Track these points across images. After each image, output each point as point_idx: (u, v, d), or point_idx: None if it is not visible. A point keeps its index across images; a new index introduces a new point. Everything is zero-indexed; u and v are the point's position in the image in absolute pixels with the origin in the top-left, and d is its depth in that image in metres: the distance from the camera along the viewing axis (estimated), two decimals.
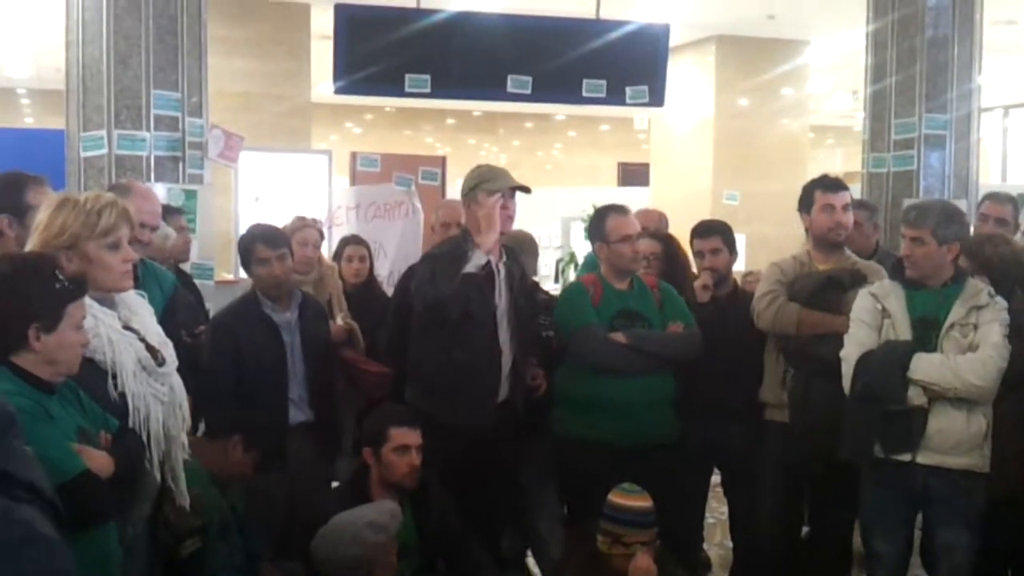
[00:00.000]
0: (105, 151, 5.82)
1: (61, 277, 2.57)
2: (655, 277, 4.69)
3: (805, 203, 4.44)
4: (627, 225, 4.46)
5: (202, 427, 4.25)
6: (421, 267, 4.43)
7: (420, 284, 4.30)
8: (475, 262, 4.15)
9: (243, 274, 4.95)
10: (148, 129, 5.87)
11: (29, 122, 18.06)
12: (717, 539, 5.81)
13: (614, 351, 4.31)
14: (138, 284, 3.67)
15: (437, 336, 4.24)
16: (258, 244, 4.48)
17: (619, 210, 4.55)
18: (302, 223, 5.32)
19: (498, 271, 4.33)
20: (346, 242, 5.71)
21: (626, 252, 4.43)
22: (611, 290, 4.46)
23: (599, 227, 4.49)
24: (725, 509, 5.24)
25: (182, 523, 2.96)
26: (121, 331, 2.83)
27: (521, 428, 4.46)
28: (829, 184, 4.44)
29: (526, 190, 4.40)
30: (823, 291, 4.20)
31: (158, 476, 2.89)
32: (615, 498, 3.83)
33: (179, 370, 3.05)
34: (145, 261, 3.91)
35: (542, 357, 4.62)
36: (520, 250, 4.86)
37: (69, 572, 1.95)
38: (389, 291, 5.67)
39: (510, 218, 4.38)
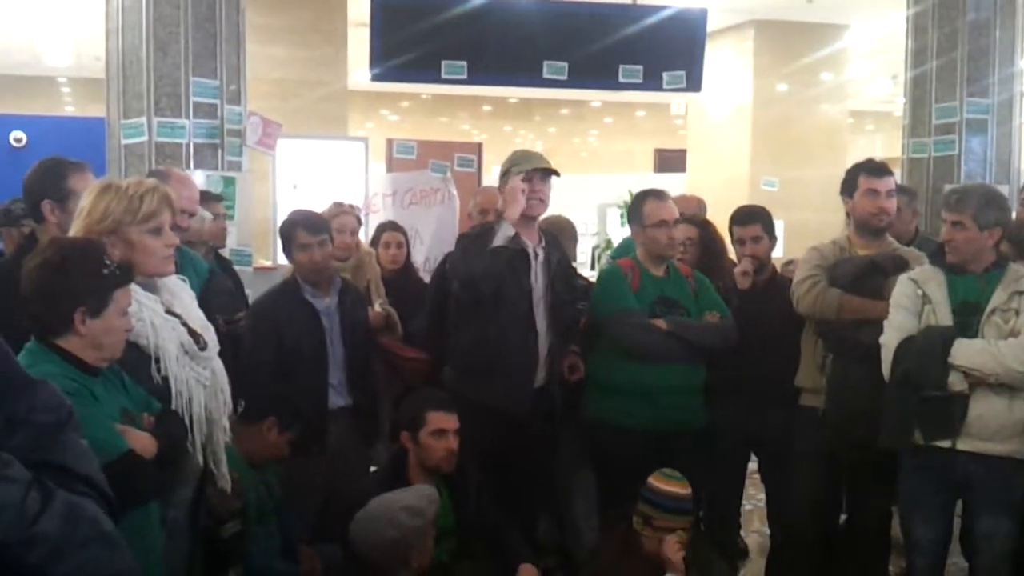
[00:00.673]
0: (145, 138, 5.86)
1: (109, 262, 2.60)
2: (689, 266, 4.68)
3: (848, 187, 4.38)
4: (664, 210, 4.45)
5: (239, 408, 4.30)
6: (456, 248, 4.46)
7: (453, 262, 4.35)
8: (503, 234, 4.18)
9: (281, 260, 4.99)
10: (187, 116, 5.90)
11: (70, 110, 18.24)
12: (755, 525, 5.80)
13: (654, 337, 4.31)
14: (177, 270, 3.73)
15: (473, 317, 4.27)
16: (299, 230, 4.51)
17: (657, 195, 4.53)
18: (339, 209, 5.34)
19: (535, 255, 4.34)
20: (383, 228, 5.74)
21: (661, 238, 4.41)
22: (648, 276, 4.46)
23: (637, 211, 4.50)
24: (762, 496, 5.22)
25: (223, 506, 2.99)
26: (164, 316, 2.86)
27: (558, 415, 4.46)
28: (874, 168, 4.38)
29: (554, 172, 4.39)
30: (865, 276, 4.15)
31: (200, 459, 2.92)
32: (654, 480, 3.88)
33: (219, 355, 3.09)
34: (181, 248, 3.95)
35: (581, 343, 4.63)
36: (559, 235, 4.87)
37: (132, 571, 1.97)
38: (426, 278, 5.70)
39: (541, 201, 4.38)
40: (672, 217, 4.46)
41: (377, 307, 4.96)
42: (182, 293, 3.05)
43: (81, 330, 2.56)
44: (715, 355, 4.43)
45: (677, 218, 4.52)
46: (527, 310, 4.30)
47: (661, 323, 4.33)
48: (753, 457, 5.11)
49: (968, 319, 3.74)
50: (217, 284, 4.20)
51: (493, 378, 4.25)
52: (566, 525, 4.99)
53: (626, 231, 15.25)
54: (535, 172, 4.34)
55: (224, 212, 5.26)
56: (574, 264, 5.30)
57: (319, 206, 5.44)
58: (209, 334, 3.01)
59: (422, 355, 4.80)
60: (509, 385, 4.25)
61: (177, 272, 3.70)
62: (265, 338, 4.36)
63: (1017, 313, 3.70)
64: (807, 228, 10.23)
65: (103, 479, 1.99)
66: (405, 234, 5.71)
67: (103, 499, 1.94)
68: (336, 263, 4.86)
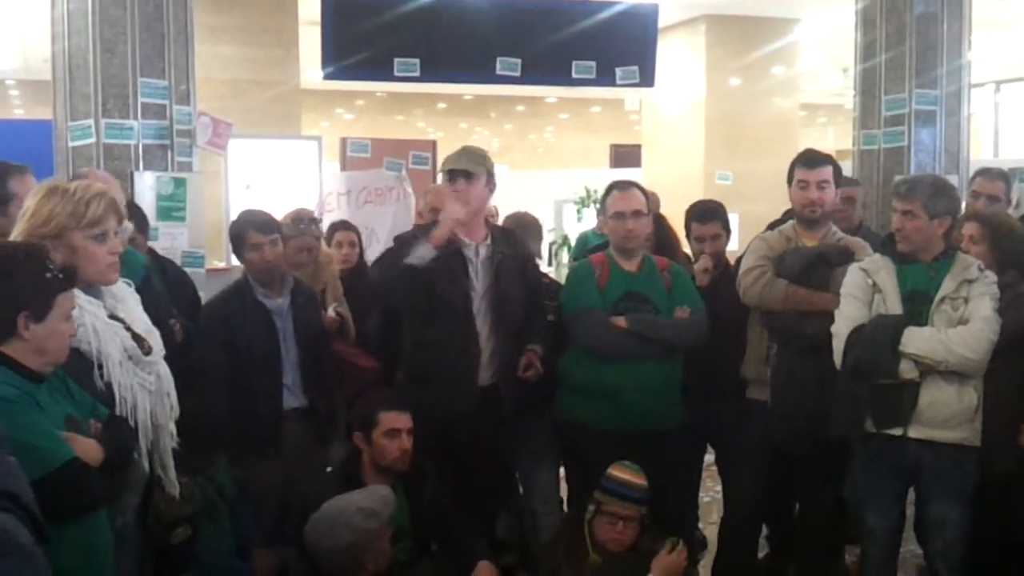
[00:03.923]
0: (93, 140, 5.79)
1: (52, 267, 2.56)
2: (666, 259, 4.60)
3: (789, 178, 4.42)
4: (620, 201, 4.40)
5: None
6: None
7: (372, 267, 4.32)
8: (418, 254, 4.11)
9: (235, 262, 4.92)
10: (135, 117, 5.84)
11: (19, 113, 17.99)
12: (713, 517, 5.81)
13: (614, 336, 4.27)
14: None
15: (412, 320, 4.26)
16: (250, 230, 4.46)
17: (620, 186, 4.48)
18: (298, 230, 5.00)
19: (477, 253, 4.32)
20: (335, 228, 5.69)
21: (618, 229, 4.39)
22: (618, 271, 4.41)
23: (603, 204, 4.50)
24: (720, 487, 5.24)
25: (172, 512, 2.96)
26: (107, 320, 2.82)
27: (512, 413, 4.44)
28: (807, 160, 4.40)
29: (464, 174, 4.31)
30: (811, 268, 4.18)
31: (146, 465, 2.89)
32: (612, 470, 3.99)
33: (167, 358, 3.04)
34: None
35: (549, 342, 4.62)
36: (525, 233, 4.86)
37: None
38: None
39: (457, 200, 4.29)
40: (628, 209, 4.38)
41: (331, 311, 4.90)
42: (127, 297, 3.01)
43: (25, 335, 2.52)
44: (684, 352, 4.39)
45: (638, 209, 4.41)
46: (465, 310, 4.26)
47: (621, 321, 4.28)
48: (710, 449, 5.13)
49: (918, 308, 3.77)
50: (151, 283, 4.13)
51: (434, 381, 4.22)
52: (526, 519, 4.98)
53: (583, 226, 15.28)
54: (457, 174, 4.31)
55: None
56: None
57: (273, 207, 5.38)
58: (154, 339, 2.97)
59: (373, 364, 4.77)
60: (450, 387, 4.21)
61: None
62: (217, 340, 4.32)
63: (966, 301, 3.74)
64: (761, 220, 10.21)
65: (29, 495, 1.97)
66: (358, 233, 5.66)
67: (28, 515, 1.92)
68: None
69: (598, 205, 13.23)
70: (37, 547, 1.97)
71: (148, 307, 3.73)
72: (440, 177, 4.44)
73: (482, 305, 4.32)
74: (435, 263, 4.13)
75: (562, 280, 4.99)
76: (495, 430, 4.37)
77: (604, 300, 4.34)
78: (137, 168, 5.79)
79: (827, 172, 4.35)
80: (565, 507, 4.80)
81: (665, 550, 3.90)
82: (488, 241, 4.39)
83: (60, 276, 2.57)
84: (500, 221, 5.34)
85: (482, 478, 4.39)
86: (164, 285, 4.48)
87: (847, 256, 4.16)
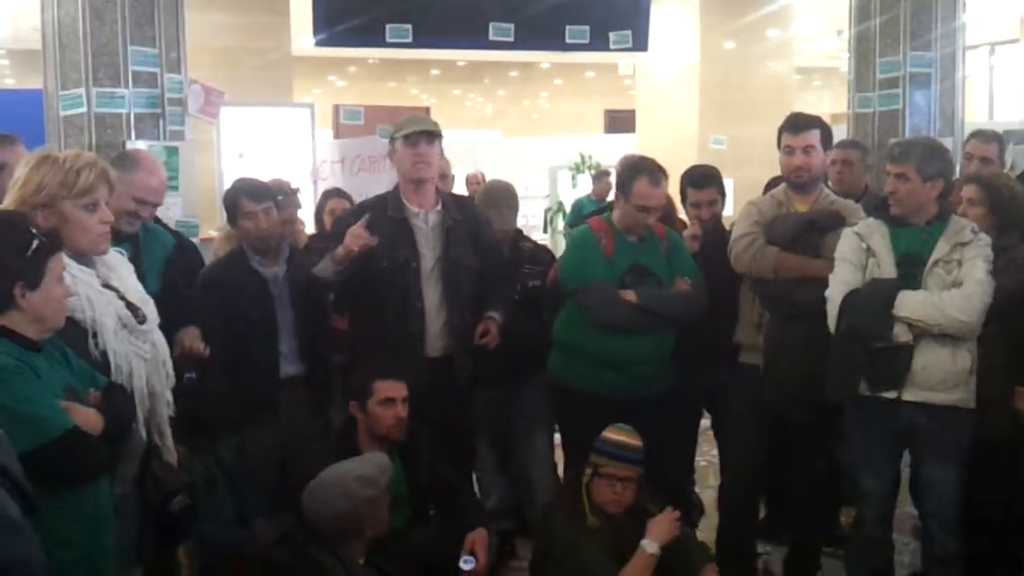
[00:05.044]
0: (84, 109, 5.77)
1: (35, 232, 2.55)
2: (662, 225, 4.56)
3: (778, 143, 4.39)
4: (653, 197, 4.30)
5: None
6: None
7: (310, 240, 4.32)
8: (324, 267, 4.17)
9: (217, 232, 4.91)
10: (126, 86, 5.81)
11: (9, 83, 17.92)
12: (710, 481, 5.85)
13: (623, 310, 4.24)
14: (138, 245, 3.68)
15: (353, 293, 4.28)
16: (243, 198, 4.45)
17: (652, 177, 4.30)
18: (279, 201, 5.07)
19: (426, 221, 4.32)
20: (328, 196, 5.67)
21: (641, 220, 4.32)
22: (623, 241, 4.37)
23: (627, 183, 4.34)
24: (716, 452, 5.27)
25: (170, 480, 2.96)
26: (100, 289, 2.82)
27: (464, 383, 4.43)
28: (791, 124, 4.35)
29: (434, 134, 4.32)
30: (802, 234, 4.16)
31: (144, 434, 2.89)
32: (607, 432, 3.99)
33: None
34: (147, 225, 3.90)
35: (528, 306, 4.62)
36: (495, 203, 4.84)
37: (31, 557, 1.96)
38: None
39: (427, 164, 4.31)
40: (659, 205, 4.33)
41: None
42: (119, 266, 3.00)
43: (23, 305, 2.51)
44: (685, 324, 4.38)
45: (662, 205, 4.37)
46: (405, 281, 4.26)
47: (630, 296, 4.24)
48: (706, 414, 5.15)
49: (911, 271, 3.77)
50: (180, 256, 4.15)
51: (379, 353, 4.22)
52: (521, 484, 5.01)
53: (577, 193, 15.24)
54: (419, 135, 4.29)
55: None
56: (522, 228, 5.27)
57: (266, 175, 5.37)
58: (148, 307, 2.97)
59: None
60: (397, 359, 4.18)
61: (140, 245, 3.67)
62: (213, 308, 4.31)
63: (959, 264, 3.74)
64: (756, 185, 10.23)
65: (18, 468, 1.98)
66: (351, 201, 5.64)
67: (16, 488, 1.93)
68: None
69: (592, 171, 13.24)
70: (25, 520, 1.98)
71: (177, 279, 3.79)
72: (396, 143, 4.36)
73: (432, 274, 4.31)
74: (338, 277, 4.18)
75: (553, 247, 4.98)
76: (449, 402, 4.35)
77: (611, 272, 4.32)
78: (129, 137, 5.77)
79: (812, 136, 4.29)
80: (560, 472, 4.82)
81: (663, 513, 3.93)
82: (439, 207, 4.38)
83: (47, 240, 2.56)
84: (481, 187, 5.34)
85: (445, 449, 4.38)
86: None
87: (838, 221, 4.15)
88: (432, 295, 4.31)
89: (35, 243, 2.52)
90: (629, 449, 3.95)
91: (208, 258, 4.93)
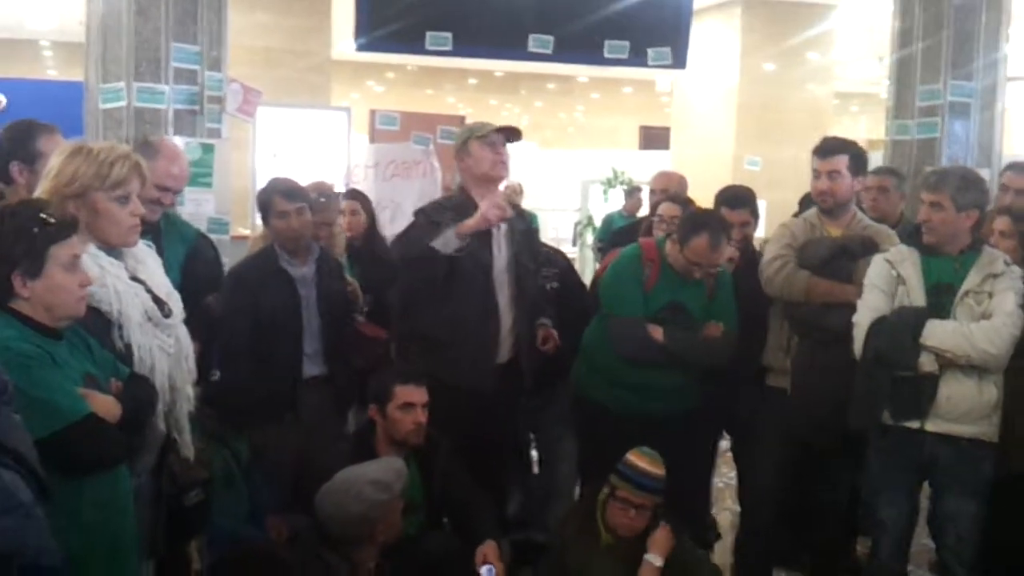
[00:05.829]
0: (124, 103, 5.81)
1: (45, 218, 2.53)
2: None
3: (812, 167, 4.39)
4: (706, 257, 4.21)
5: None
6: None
7: (394, 240, 4.28)
8: (444, 241, 4.07)
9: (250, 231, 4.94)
10: (167, 82, 5.85)
11: (52, 74, 18.10)
12: (727, 503, 5.82)
13: (648, 348, 4.23)
14: (159, 235, 3.70)
15: (429, 293, 4.23)
16: (277, 197, 4.47)
17: (714, 236, 4.19)
18: (319, 204, 4.92)
19: (499, 226, 4.30)
20: (343, 196, 5.65)
21: (691, 269, 4.28)
22: (668, 274, 4.32)
23: (686, 233, 4.25)
24: (734, 473, 5.24)
25: (186, 474, 2.97)
26: (128, 282, 2.83)
27: (530, 389, 4.44)
28: (818, 149, 4.34)
29: (516, 133, 4.33)
30: (834, 259, 4.14)
31: (163, 427, 2.91)
32: (631, 455, 3.95)
33: (194, 323, 3.06)
34: (168, 214, 3.92)
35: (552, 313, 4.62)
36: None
37: (42, 544, 1.97)
38: None
39: (503, 163, 4.32)
40: (710, 264, 4.25)
41: None
42: (147, 259, 3.01)
43: (24, 293, 2.51)
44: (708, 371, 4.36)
45: (717, 266, 4.29)
46: (486, 284, 4.25)
47: (658, 335, 4.23)
48: (725, 435, 5.12)
49: (941, 300, 3.74)
50: (201, 251, 4.17)
51: (453, 356, 4.20)
52: (547, 494, 4.99)
53: (608, 208, 15.20)
54: (498, 135, 4.29)
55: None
56: (552, 241, 5.28)
57: (300, 176, 5.39)
58: (174, 301, 2.98)
59: (380, 334, 4.77)
60: (470, 363, 4.20)
61: (161, 236, 3.69)
62: (241, 305, 4.34)
63: (990, 296, 3.70)
64: (790, 208, 10.20)
65: (33, 454, 1.99)
66: (365, 201, 5.60)
67: (31, 475, 1.94)
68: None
69: (625, 186, 13.19)
70: (37, 506, 1.99)
71: (196, 274, 3.80)
72: (469, 144, 4.37)
73: (502, 279, 4.31)
74: (459, 253, 4.10)
75: (581, 261, 4.98)
76: (511, 407, 4.37)
77: (647, 305, 4.29)
78: (167, 132, 5.80)
79: (839, 162, 4.26)
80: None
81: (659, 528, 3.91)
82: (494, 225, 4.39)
83: (51, 228, 2.53)
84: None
85: (497, 456, 4.40)
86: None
87: (870, 246, 4.12)
88: (503, 298, 4.31)
89: (35, 230, 2.50)
90: (649, 477, 3.90)
91: (237, 256, 4.96)
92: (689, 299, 4.33)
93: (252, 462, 4.07)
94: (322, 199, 4.93)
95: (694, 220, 4.32)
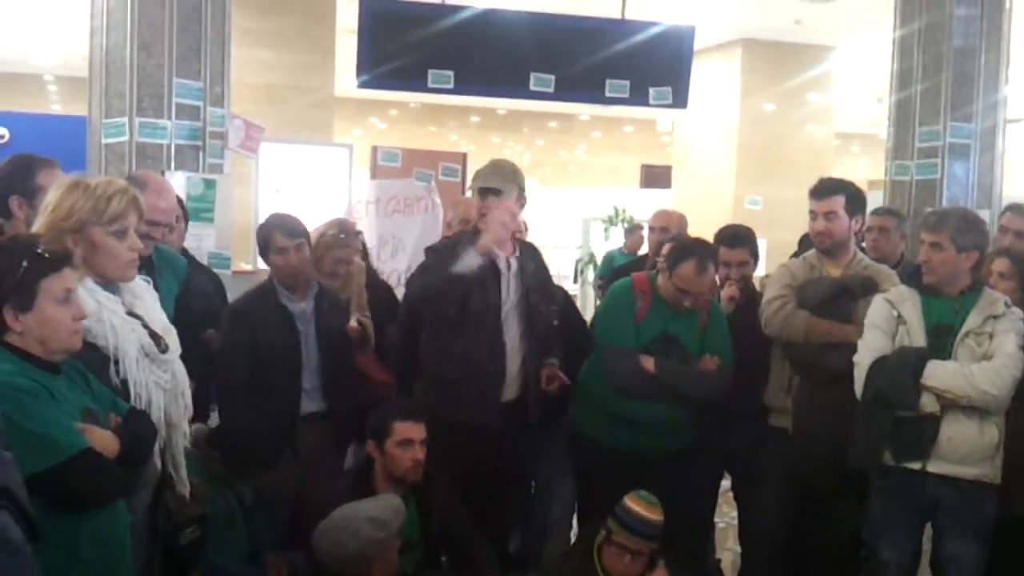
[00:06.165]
0: (126, 138, 5.83)
1: (36, 252, 2.52)
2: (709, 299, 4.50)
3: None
4: (693, 283, 4.25)
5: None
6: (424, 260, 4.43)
7: (412, 277, 4.30)
8: (466, 262, 4.11)
9: (262, 265, 4.93)
10: (169, 117, 5.88)
11: (56, 108, 18.17)
12: (728, 543, 5.77)
13: (639, 379, 4.25)
14: (152, 270, 3.69)
15: (439, 331, 4.24)
16: (276, 233, 4.48)
17: (700, 263, 4.25)
18: (338, 241, 4.96)
19: (508, 266, 4.31)
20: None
21: (681, 300, 4.31)
22: (659, 306, 4.36)
23: (674, 261, 4.30)
24: (736, 513, 5.20)
25: (182, 511, 2.95)
26: (124, 317, 2.81)
27: (535, 429, 4.43)
28: (814, 189, 4.37)
29: (494, 192, 4.30)
30: (833, 299, 4.14)
31: (158, 464, 2.89)
32: (628, 500, 3.93)
33: (189, 359, 3.04)
34: (158, 246, 3.91)
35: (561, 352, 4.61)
36: None
37: None
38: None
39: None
40: (696, 290, 4.28)
41: (352, 321, 4.88)
42: (144, 294, 3.00)
43: (16, 327, 2.50)
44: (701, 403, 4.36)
45: (702, 292, 4.32)
46: (494, 323, 4.26)
47: (650, 365, 4.25)
48: (726, 475, 5.09)
49: (942, 341, 3.74)
50: (196, 285, 4.16)
51: (460, 393, 4.20)
52: (541, 532, 4.96)
53: (609, 245, 15.21)
54: (485, 191, 4.30)
55: (181, 214, 5.04)
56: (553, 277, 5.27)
57: (302, 212, 5.38)
58: (171, 337, 2.97)
59: (388, 379, 4.75)
60: (476, 400, 4.20)
61: (154, 270, 3.68)
62: (239, 341, 4.33)
63: (991, 337, 3.70)
64: (790, 247, 10.25)
65: (23, 492, 1.97)
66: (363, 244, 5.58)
67: (20, 511, 1.92)
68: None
69: (626, 224, 13.22)
70: (27, 544, 1.98)
71: (191, 307, 3.79)
72: (469, 192, 4.44)
73: (511, 318, 4.32)
74: (481, 271, 4.14)
75: (582, 298, 4.98)
76: (517, 446, 4.36)
77: (638, 337, 4.31)
78: (169, 168, 5.82)
79: (835, 203, 4.28)
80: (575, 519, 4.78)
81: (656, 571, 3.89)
82: (516, 254, 4.40)
83: (40, 262, 2.51)
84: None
85: (500, 493, 4.38)
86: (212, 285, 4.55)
87: (870, 286, 4.12)
88: (511, 338, 4.31)
89: (24, 264, 2.49)
90: (645, 523, 3.89)
91: (238, 292, 4.95)
92: (681, 331, 4.35)
93: (253, 499, 4.04)
94: (342, 235, 4.93)
95: (681, 248, 4.36)
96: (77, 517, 2.51)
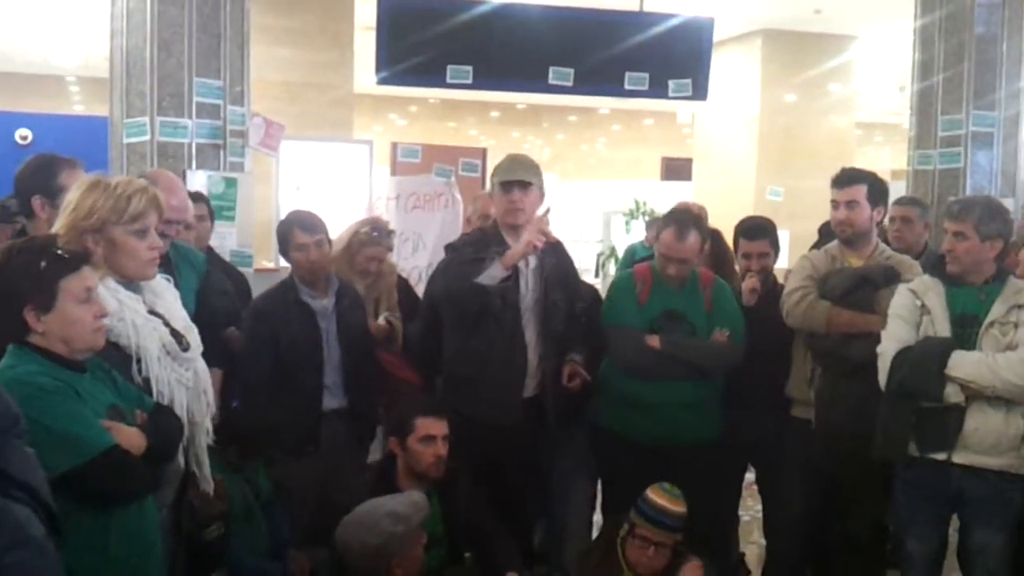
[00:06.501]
0: (147, 138, 5.87)
1: (54, 252, 2.53)
2: (712, 274, 4.54)
3: None
4: (673, 248, 4.28)
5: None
6: (442, 260, 4.43)
7: (434, 275, 4.30)
8: (490, 273, 4.10)
9: (284, 263, 4.94)
10: (190, 116, 5.91)
11: (79, 109, 18.28)
12: (753, 536, 5.76)
13: (645, 355, 4.25)
14: (170, 267, 3.70)
15: (458, 328, 4.24)
16: (296, 230, 4.49)
17: (680, 228, 4.28)
18: (370, 239, 4.93)
19: (527, 262, 4.30)
20: None
21: (665, 269, 4.33)
22: (660, 287, 4.37)
23: (659, 229, 4.40)
24: (760, 507, 5.19)
25: (206, 508, 2.97)
26: (146, 316, 2.83)
27: (554, 424, 4.42)
28: (837, 178, 4.35)
29: (520, 184, 4.27)
30: (855, 289, 4.11)
31: (182, 461, 2.90)
32: (651, 492, 3.92)
33: (211, 357, 3.05)
34: (176, 243, 3.93)
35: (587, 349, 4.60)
36: None
37: None
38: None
39: (520, 211, 4.27)
40: (678, 256, 4.29)
41: (380, 319, 4.88)
42: (165, 293, 3.01)
43: (38, 327, 2.51)
44: (714, 375, 4.35)
45: (684, 258, 4.32)
46: (514, 320, 4.24)
47: (655, 342, 4.25)
48: (751, 468, 5.08)
49: (966, 331, 3.70)
50: (216, 283, 4.18)
51: (479, 390, 4.20)
52: (560, 530, 4.96)
53: (630, 239, 15.18)
54: (510, 184, 4.28)
55: (207, 213, 5.09)
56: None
57: (323, 209, 5.38)
58: (192, 335, 2.98)
59: (413, 377, 4.76)
60: (495, 397, 4.20)
61: (172, 268, 3.70)
62: (261, 338, 4.35)
63: (1016, 326, 3.67)
64: (812, 238, 10.20)
65: (46, 489, 1.98)
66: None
67: (43, 509, 1.94)
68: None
69: (647, 218, 13.20)
70: (49, 541, 1.99)
71: (211, 304, 3.80)
72: (489, 186, 4.42)
73: (530, 315, 4.30)
74: (505, 283, 4.13)
75: (603, 292, 4.96)
76: (536, 442, 4.35)
77: (642, 317, 4.31)
78: (190, 167, 5.86)
79: (856, 192, 4.26)
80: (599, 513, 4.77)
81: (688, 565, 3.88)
82: (536, 250, 4.38)
83: (60, 262, 2.52)
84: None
85: (520, 490, 4.37)
86: (233, 281, 4.55)
87: (892, 276, 4.10)
88: (530, 335, 4.31)
89: (43, 264, 2.50)
90: (668, 515, 3.88)
91: (260, 289, 4.96)
92: (686, 309, 4.34)
93: (272, 495, 4.05)
94: (375, 233, 4.93)
95: (666, 216, 4.40)
96: (106, 515, 2.53)
